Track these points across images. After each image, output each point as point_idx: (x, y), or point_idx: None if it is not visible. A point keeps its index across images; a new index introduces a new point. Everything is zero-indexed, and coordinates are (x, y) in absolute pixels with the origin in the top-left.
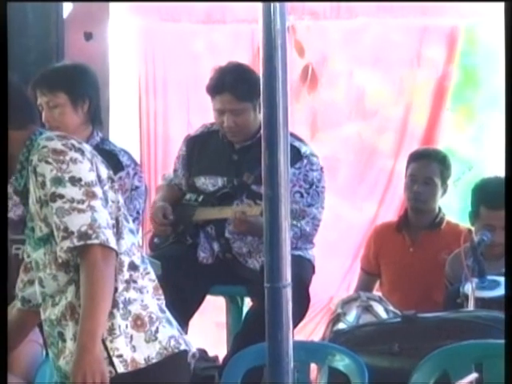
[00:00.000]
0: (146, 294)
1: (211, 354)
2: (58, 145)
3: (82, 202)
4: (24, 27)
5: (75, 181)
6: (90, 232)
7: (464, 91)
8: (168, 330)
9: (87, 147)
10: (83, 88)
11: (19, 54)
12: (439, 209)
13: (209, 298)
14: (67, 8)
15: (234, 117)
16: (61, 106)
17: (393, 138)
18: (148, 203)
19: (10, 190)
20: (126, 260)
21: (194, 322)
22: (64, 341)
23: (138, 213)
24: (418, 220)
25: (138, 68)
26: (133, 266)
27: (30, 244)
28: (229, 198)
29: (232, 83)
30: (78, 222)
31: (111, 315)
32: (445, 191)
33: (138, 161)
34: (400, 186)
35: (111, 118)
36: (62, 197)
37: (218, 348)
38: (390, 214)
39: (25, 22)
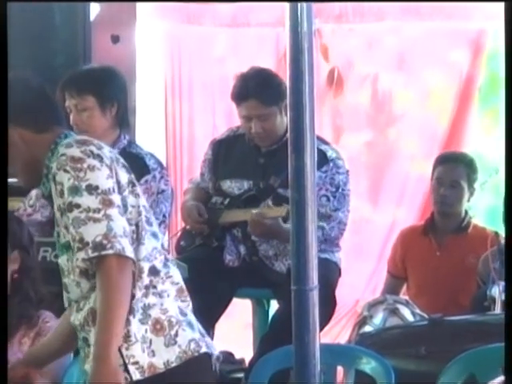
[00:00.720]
0: (167, 298)
1: (237, 356)
2: (76, 152)
3: (98, 210)
4: (51, 30)
5: (92, 189)
6: (104, 242)
7: (491, 95)
8: (188, 333)
9: (107, 152)
10: (112, 91)
11: (46, 58)
12: (466, 212)
13: (235, 301)
14: (94, 11)
15: (262, 122)
16: (89, 109)
17: (418, 142)
18: (174, 206)
19: (36, 191)
20: (145, 266)
21: (221, 324)
22: (88, 346)
23: (164, 216)
24: (444, 224)
25: (164, 71)
26: (153, 271)
27: (57, 248)
28: (255, 200)
29: (256, 89)
30: (93, 232)
31: (127, 322)
32: (471, 195)
33: (164, 163)
34: (425, 189)
35: (137, 121)
36: (78, 206)
37: (245, 350)
38: (415, 217)
39: (52, 25)
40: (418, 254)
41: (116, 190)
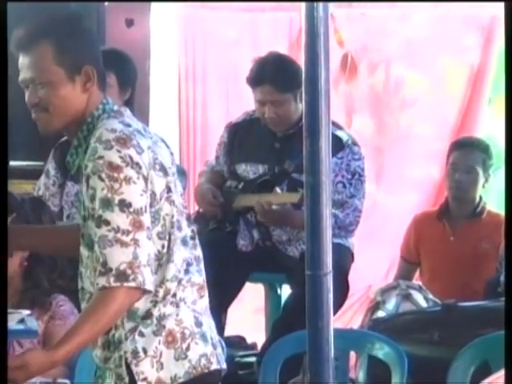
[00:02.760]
0: (183, 306)
1: (249, 341)
2: (114, 157)
3: (127, 233)
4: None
5: (124, 206)
6: (128, 272)
7: (503, 81)
8: (200, 347)
9: (146, 155)
10: (129, 76)
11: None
12: (480, 198)
13: (248, 285)
14: None
15: (275, 108)
16: (110, 86)
17: (430, 127)
18: (187, 189)
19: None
20: (173, 286)
21: (233, 308)
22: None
23: None
24: (458, 209)
25: (178, 55)
26: (175, 279)
27: (80, 236)
28: (269, 185)
29: (272, 74)
30: (118, 257)
31: (139, 336)
32: (486, 180)
33: (177, 148)
34: (437, 174)
35: (151, 104)
36: (107, 223)
37: (257, 335)
38: (427, 202)
39: (66, 10)
40: (431, 240)
41: (148, 207)
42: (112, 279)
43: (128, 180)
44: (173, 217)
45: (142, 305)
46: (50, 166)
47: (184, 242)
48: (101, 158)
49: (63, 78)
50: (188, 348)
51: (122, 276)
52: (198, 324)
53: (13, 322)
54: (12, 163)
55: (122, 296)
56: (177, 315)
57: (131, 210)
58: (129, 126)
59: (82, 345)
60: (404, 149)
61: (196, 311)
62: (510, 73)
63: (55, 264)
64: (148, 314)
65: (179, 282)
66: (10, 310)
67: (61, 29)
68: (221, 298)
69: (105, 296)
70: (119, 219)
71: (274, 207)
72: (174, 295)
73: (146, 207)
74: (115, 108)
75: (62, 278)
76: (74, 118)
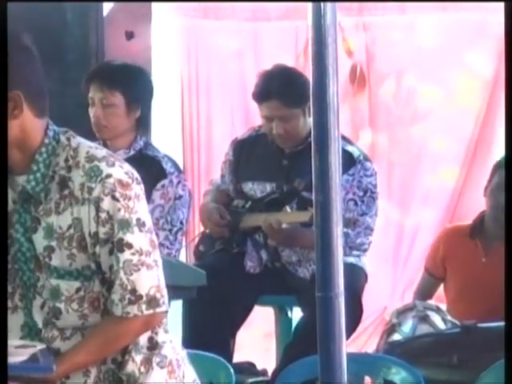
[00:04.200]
0: (169, 332)
1: (260, 367)
2: (122, 174)
3: (149, 254)
4: (62, 26)
5: (141, 225)
6: (158, 296)
7: None
8: (190, 371)
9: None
10: (141, 93)
11: (57, 55)
12: None
13: (257, 309)
14: (107, 6)
15: (283, 123)
16: (115, 106)
17: (445, 141)
18: (192, 209)
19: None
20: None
21: (242, 333)
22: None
23: (181, 223)
24: (495, 230)
25: (181, 68)
26: None
27: (32, 265)
28: (278, 204)
29: (279, 89)
30: (146, 282)
31: (151, 367)
32: None
33: (181, 165)
34: (452, 190)
35: (153, 120)
36: (130, 246)
37: (267, 361)
38: (442, 219)
39: (63, 21)
40: (461, 257)
41: (152, 224)
42: (144, 307)
43: (138, 197)
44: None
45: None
46: None
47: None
48: (109, 176)
49: None
50: (183, 375)
51: (153, 302)
52: (182, 347)
53: (25, 357)
54: None
55: (143, 324)
56: (170, 341)
57: (146, 228)
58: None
59: (84, 366)
60: (418, 164)
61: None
62: (510, 73)
63: None
64: (153, 344)
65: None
66: (22, 343)
67: None
68: (229, 323)
69: (124, 325)
70: (140, 240)
71: (283, 226)
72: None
73: (151, 225)
74: (60, 129)
75: None
76: (21, 144)
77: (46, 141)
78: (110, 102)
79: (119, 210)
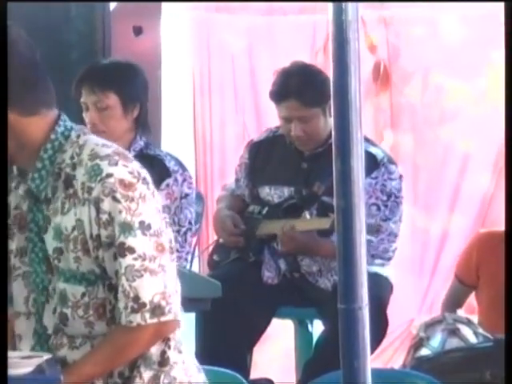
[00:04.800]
0: (184, 352)
1: None
2: (124, 173)
3: (154, 259)
4: (66, 22)
5: (144, 228)
6: (163, 304)
7: None
8: None
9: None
10: (136, 91)
11: (60, 52)
12: None
13: (275, 322)
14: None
15: (302, 124)
16: (111, 108)
17: (475, 142)
18: (205, 215)
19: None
20: None
21: (259, 348)
22: None
23: (190, 223)
24: None
25: (192, 65)
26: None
27: (60, 272)
28: (297, 210)
29: (298, 88)
30: (150, 289)
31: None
32: None
33: (193, 169)
34: (481, 194)
35: (163, 121)
36: (132, 251)
37: (286, 378)
38: (471, 225)
39: (67, 17)
40: (496, 265)
41: (163, 228)
42: (148, 315)
43: (143, 197)
44: (171, 241)
45: (155, 348)
46: None
47: (176, 272)
48: (110, 176)
49: None
50: None
51: (157, 310)
52: (199, 370)
53: (30, 368)
54: None
55: (152, 333)
56: (183, 362)
57: (151, 232)
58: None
59: (92, 378)
60: (445, 166)
61: (192, 355)
62: (510, 73)
63: None
64: (164, 360)
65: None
66: (27, 354)
67: None
68: (245, 337)
69: (133, 334)
70: (144, 244)
71: (298, 234)
72: (174, 337)
73: (162, 226)
74: (76, 125)
75: None
76: (18, 146)
77: (53, 136)
78: (104, 105)
79: (120, 211)
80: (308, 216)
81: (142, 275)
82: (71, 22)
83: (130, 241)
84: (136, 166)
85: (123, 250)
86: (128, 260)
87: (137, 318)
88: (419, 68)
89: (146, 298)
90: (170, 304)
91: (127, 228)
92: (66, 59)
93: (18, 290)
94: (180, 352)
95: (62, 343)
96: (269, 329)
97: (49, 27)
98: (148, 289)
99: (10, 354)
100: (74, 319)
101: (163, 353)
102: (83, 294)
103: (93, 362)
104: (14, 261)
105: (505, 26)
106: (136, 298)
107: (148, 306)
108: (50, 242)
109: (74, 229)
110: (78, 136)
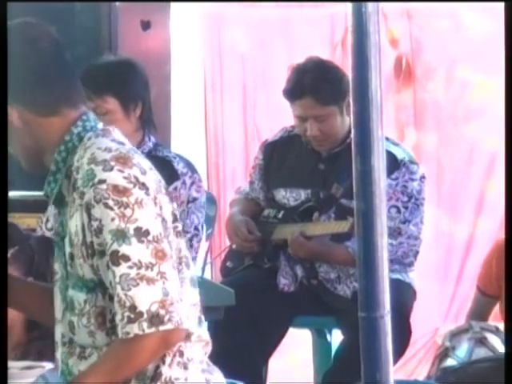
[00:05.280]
0: (192, 368)
1: None
2: (119, 179)
3: (151, 266)
4: (70, 16)
5: (141, 235)
6: (162, 313)
7: None
8: None
9: (151, 176)
10: (135, 89)
11: (65, 48)
12: None
13: (292, 332)
14: None
15: (318, 123)
16: (111, 112)
17: (503, 140)
18: (218, 222)
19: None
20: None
21: (275, 359)
22: None
23: (196, 229)
24: None
25: (203, 61)
26: (186, 336)
27: (66, 279)
28: (313, 213)
29: (313, 85)
30: (147, 297)
31: None
32: None
33: (205, 171)
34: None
35: (173, 121)
36: (126, 259)
37: None
38: (497, 228)
39: (71, 11)
40: None
41: (164, 234)
42: (145, 325)
43: (140, 203)
44: (180, 251)
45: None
46: None
47: (193, 283)
48: (102, 182)
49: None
50: None
51: (155, 319)
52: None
53: (31, 379)
54: (11, 194)
55: (156, 343)
56: (186, 380)
57: (149, 238)
58: (122, 144)
59: None
60: (471, 166)
61: (206, 370)
62: (510, 72)
63: None
64: (157, 374)
65: (189, 337)
66: (29, 364)
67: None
68: (261, 348)
69: (134, 345)
70: (140, 252)
71: (307, 239)
72: (182, 354)
73: (162, 232)
74: (100, 126)
75: None
76: (34, 153)
77: (67, 138)
78: (104, 110)
79: (113, 219)
80: (323, 219)
81: (137, 284)
82: (76, 17)
83: (124, 248)
84: (136, 171)
85: (117, 259)
86: (123, 269)
87: (134, 329)
88: (443, 62)
89: (142, 307)
90: (171, 312)
91: (121, 235)
92: (71, 55)
93: (55, 296)
94: (186, 368)
95: (73, 352)
96: (285, 339)
97: (53, 22)
98: (145, 297)
99: (10, 364)
100: (79, 328)
101: (156, 367)
102: (85, 302)
103: (95, 374)
104: (54, 265)
105: (505, 26)
106: (132, 308)
107: (145, 316)
108: (66, 247)
109: (76, 234)
110: (90, 138)
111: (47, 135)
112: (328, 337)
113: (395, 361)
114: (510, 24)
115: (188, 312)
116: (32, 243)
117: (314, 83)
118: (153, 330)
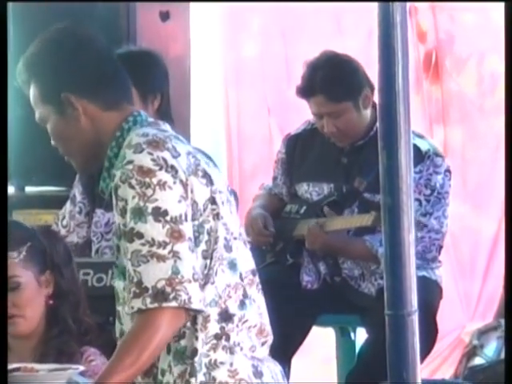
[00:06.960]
0: (239, 353)
1: None
2: (146, 160)
3: (164, 245)
4: (89, 7)
5: (159, 214)
6: (167, 290)
7: None
8: None
9: (184, 160)
10: (155, 81)
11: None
12: None
13: (315, 330)
14: None
15: (334, 120)
16: None
17: None
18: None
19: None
20: (213, 312)
21: (298, 358)
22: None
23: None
24: None
25: (224, 53)
26: (225, 316)
27: (114, 270)
28: (337, 208)
29: (324, 83)
30: (155, 274)
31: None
32: None
33: (225, 166)
34: None
35: (193, 115)
36: (140, 236)
37: None
38: None
39: (89, 2)
40: None
41: (189, 216)
42: (148, 300)
43: (162, 185)
44: (217, 231)
45: (188, 341)
46: (77, 191)
47: (232, 266)
48: (130, 162)
49: (52, 112)
50: None
51: (159, 295)
52: (258, 375)
53: (62, 381)
54: (28, 189)
55: (162, 319)
56: (231, 365)
57: (167, 218)
58: (164, 131)
59: (126, 379)
60: (501, 161)
61: (255, 358)
62: (510, 72)
63: (78, 300)
64: (194, 352)
65: (230, 318)
66: (55, 366)
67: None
68: (283, 346)
69: (143, 321)
70: (154, 230)
71: (324, 233)
72: (228, 338)
73: (185, 215)
74: (150, 119)
75: (87, 314)
76: (91, 148)
77: (118, 133)
78: None
79: (133, 197)
80: (346, 213)
81: (147, 260)
82: (93, 8)
83: (140, 226)
84: (167, 155)
85: (131, 236)
86: (135, 245)
87: (137, 303)
88: (474, 54)
89: (148, 282)
90: (178, 291)
91: (138, 213)
92: None
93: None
94: (232, 353)
95: None
96: (308, 337)
97: (70, 14)
98: (152, 274)
99: (37, 366)
100: (124, 317)
101: (194, 347)
102: (124, 289)
103: (115, 371)
104: None
105: (505, 26)
106: (139, 283)
107: (150, 291)
108: (114, 239)
109: (117, 224)
110: (135, 129)
111: (106, 129)
112: (352, 335)
113: (421, 360)
114: (510, 24)
115: (214, 292)
116: (39, 236)
117: (325, 81)
118: (155, 305)
